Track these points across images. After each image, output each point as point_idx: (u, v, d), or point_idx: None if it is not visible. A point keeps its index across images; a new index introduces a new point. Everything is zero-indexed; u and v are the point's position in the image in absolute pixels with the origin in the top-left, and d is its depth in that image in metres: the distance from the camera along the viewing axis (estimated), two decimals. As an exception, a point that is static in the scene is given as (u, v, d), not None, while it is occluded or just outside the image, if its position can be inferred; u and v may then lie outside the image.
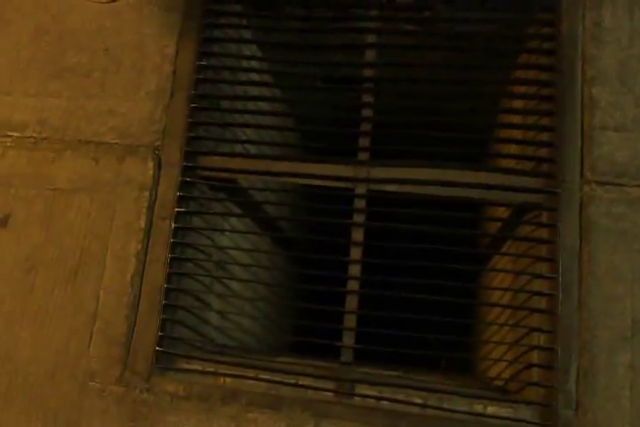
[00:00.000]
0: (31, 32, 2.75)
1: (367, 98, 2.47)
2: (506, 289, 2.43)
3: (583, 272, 2.05)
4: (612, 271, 2.03)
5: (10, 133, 2.66)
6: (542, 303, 2.12)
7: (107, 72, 2.68)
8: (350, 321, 2.26)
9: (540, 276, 2.11)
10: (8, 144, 2.65)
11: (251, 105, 2.69)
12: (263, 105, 2.76)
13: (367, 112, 2.46)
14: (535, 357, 2.14)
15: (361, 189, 2.35)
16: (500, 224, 2.65)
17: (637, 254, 2.05)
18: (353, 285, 2.29)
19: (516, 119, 2.43)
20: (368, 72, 2.50)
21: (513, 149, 2.55)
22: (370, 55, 2.53)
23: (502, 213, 2.60)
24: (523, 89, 2.36)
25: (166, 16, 2.65)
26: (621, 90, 2.19)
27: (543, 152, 2.20)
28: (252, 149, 2.68)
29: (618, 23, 2.24)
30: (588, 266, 2.05)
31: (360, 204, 2.35)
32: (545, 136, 2.21)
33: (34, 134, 2.64)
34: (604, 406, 2.00)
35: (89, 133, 2.61)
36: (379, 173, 2.34)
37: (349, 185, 2.37)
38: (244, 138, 2.71)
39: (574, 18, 2.25)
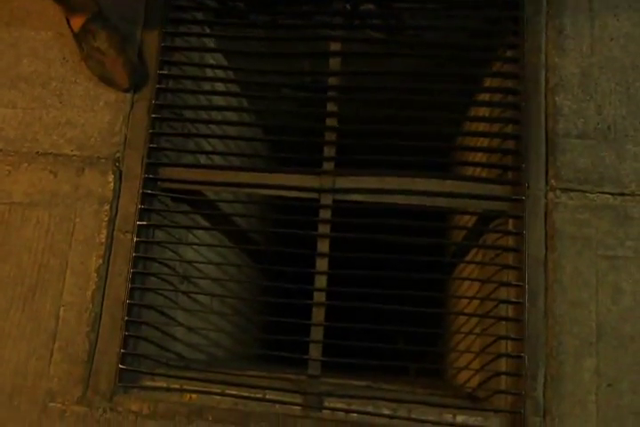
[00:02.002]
0: (-18, 39, 2.60)
1: (332, 107, 2.51)
2: (472, 298, 2.50)
3: (549, 280, 2.11)
4: (576, 278, 2.10)
5: None
6: (509, 311, 2.17)
7: (65, 81, 2.67)
8: (317, 333, 2.29)
9: (506, 284, 2.17)
10: None
11: (216, 115, 2.72)
12: (229, 115, 2.79)
13: (332, 121, 2.50)
14: (503, 364, 2.19)
15: (326, 199, 2.39)
16: (466, 232, 2.72)
17: (601, 260, 2.12)
18: (319, 296, 2.32)
19: (482, 127, 2.51)
20: (333, 80, 2.54)
21: (479, 156, 2.63)
22: (334, 63, 2.58)
23: (468, 221, 2.67)
24: (488, 97, 2.44)
25: (125, 26, 2.65)
26: (584, 98, 2.27)
27: (508, 160, 2.27)
28: (219, 160, 2.71)
29: (579, 31, 2.32)
30: (553, 273, 2.11)
31: (325, 214, 2.38)
32: (510, 144, 2.28)
33: None
34: (571, 411, 2.07)
35: (46, 145, 2.59)
36: (344, 182, 2.38)
37: (315, 196, 2.41)
38: (210, 149, 2.74)
39: (537, 26, 2.33)
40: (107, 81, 2.58)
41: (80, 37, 2.50)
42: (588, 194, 2.15)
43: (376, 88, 2.45)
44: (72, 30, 2.50)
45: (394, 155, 2.31)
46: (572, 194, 2.15)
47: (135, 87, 2.58)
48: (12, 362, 2.37)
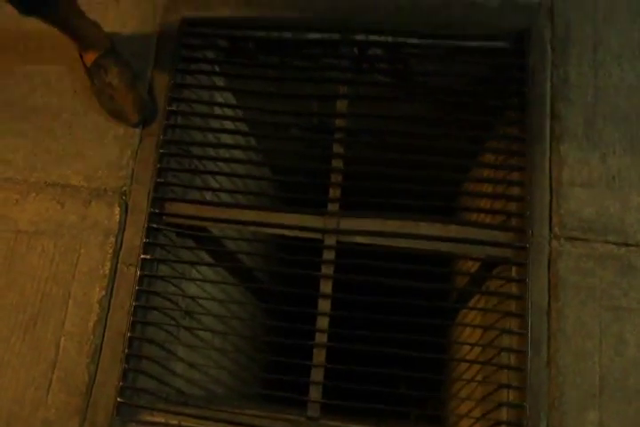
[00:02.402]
0: (-4, 70, 2.61)
1: (338, 149, 2.49)
2: (475, 344, 2.45)
3: (552, 329, 2.06)
4: (580, 328, 2.05)
5: None
6: (511, 359, 2.11)
7: (75, 114, 2.65)
8: (317, 375, 2.25)
9: (509, 331, 2.12)
10: None
11: (223, 152, 2.69)
12: (237, 153, 2.76)
13: (338, 163, 2.47)
14: (504, 413, 2.12)
15: (330, 240, 2.36)
16: (469, 278, 2.67)
17: (605, 311, 2.06)
18: (321, 337, 2.28)
19: (487, 173, 2.47)
20: (340, 122, 2.52)
21: (483, 202, 2.59)
22: (341, 106, 2.56)
23: (472, 266, 2.62)
24: (493, 144, 2.41)
25: (136, 63, 2.63)
26: (588, 147, 2.24)
27: (512, 206, 2.23)
28: (225, 197, 2.68)
29: (584, 81, 2.32)
30: (556, 323, 2.06)
31: (329, 255, 2.35)
32: (515, 190, 2.25)
33: None
34: (573, 465, 1.95)
35: (55, 176, 2.57)
36: (348, 224, 2.35)
37: (319, 236, 2.37)
38: (216, 186, 2.71)
39: (542, 75, 2.32)
40: (116, 115, 2.57)
41: (92, 72, 2.50)
42: (592, 243, 2.11)
43: (382, 131, 2.43)
44: (84, 65, 2.50)
45: (398, 198, 2.27)
46: (575, 242, 2.11)
47: (144, 123, 2.57)
48: (11, 390, 2.32)
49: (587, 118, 2.29)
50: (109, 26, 2.59)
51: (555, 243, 2.13)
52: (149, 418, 2.28)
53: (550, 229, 2.14)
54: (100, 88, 2.52)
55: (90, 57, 2.48)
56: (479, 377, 2.35)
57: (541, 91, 2.29)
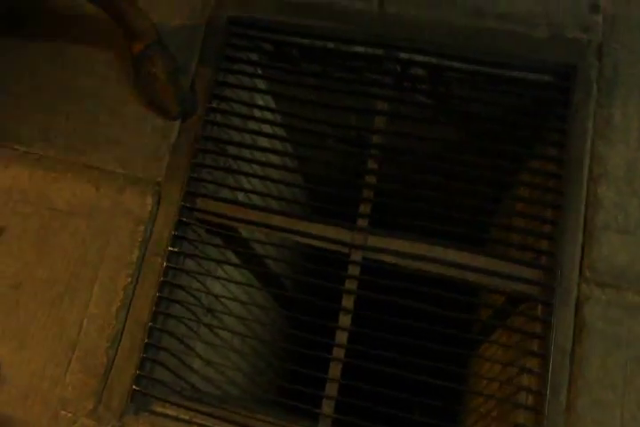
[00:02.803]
0: (48, 51, 2.57)
1: (372, 164, 2.30)
2: (493, 379, 2.22)
3: (574, 373, 1.88)
4: (603, 377, 1.86)
5: (16, 147, 2.46)
6: (529, 399, 1.92)
7: (118, 101, 2.47)
8: (332, 389, 2.09)
9: (529, 371, 1.92)
10: (13, 157, 2.45)
11: (259, 155, 2.44)
12: (272, 157, 2.51)
13: (371, 179, 2.28)
14: (517, 454, 1.92)
15: (356, 255, 2.18)
16: (493, 311, 2.43)
17: (632, 363, 1.88)
18: (338, 352, 2.09)
19: (521, 207, 2.22)
20: (376, 138, 2.31)
21: (514, 236, 2.35)
22: (379, 122, 2.34)
23: (497, 299, 2.38)
24: (529, 177, 2.16)
25: (181, 57, 2.44)
26: (627, 191, 2.06)
27: (544, 244, 2.03)
28: (256, 200, 2.44)
29: (628, 124, 2.13)
30: (579, 368, 1.87)
31: (354, 270, 2.17)
32: (547, 228, 2.03)
33: (40, 152, 2.44)
34: None
35: (93, 159, 2.41)
36: (376, 241, 2.19)
37: (345, 250, 2.16)
38: (249, 187, 2.47)
39: (586, 113, 2.10)
40: (157, 106, 2.42)
41: (137, 62, 2.33)
42: (622, 291, 1.91)
43: (417, 152, 2.18)
44: (132, 54, 2.33)
45: (428, 221, 2.04)
46: (606, 289, 1.91)
47: (183, 117, 2.41)
48: (32, 363, 2.19)
49: (628, 162, 2.09)
50: (157, 17, 2.40)
51: (584, 286, 1.92)
52: (162, 410, 2.13)
53: (580, 271, 1.94)
54: (143, 78, 2.36)
55: (137, 47, 2.31)
56: (495, 413, 2.12)
57: (583, 129, 2.08)
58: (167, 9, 2.55)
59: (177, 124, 2.41)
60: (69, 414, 2.10)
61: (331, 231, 2.23)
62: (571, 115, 2.12)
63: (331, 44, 2.46)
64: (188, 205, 2.32)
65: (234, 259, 2.71)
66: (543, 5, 2.26)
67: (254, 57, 2.61)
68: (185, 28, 2.52)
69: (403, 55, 2.38)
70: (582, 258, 1.97)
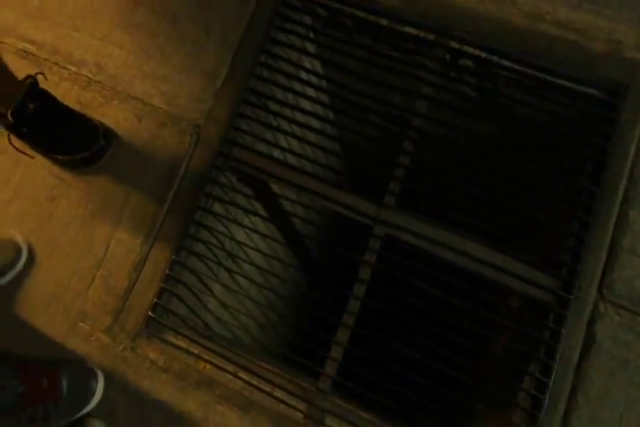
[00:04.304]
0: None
1: (408, 146, 1.92)
2: (495, 375, 1.85)
3: (576, 388, 1.59)
4: (603, 396, 1.57)
5: (68, 67, 2.06)
6: (527, 402, 1.57)
7: (169, 39, 2.04)
8: (337, 352, 1.79)
9: (532, 374, 1.56)
10: (65, 76, 2.04)
11: (300, 117, 1.97)
12: (312, 121, 2.04)
13: (404, 159, 1.90)
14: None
15: (379, 230, 1.83)
16: (506, 310, 2.03)
17: (634, 387, 1.60)
18: (348, 319, 1.72)
19: (549, 215, 1.78)
20: (416, 121, 1.88)
21: (538, 242, 1.94)
22: (421, 106, 1.94)
23: (511, 300, 1.97)
24: (562, 189, 1.73)
25: (237, 6, 2.02)
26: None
27: (567, 256, 1.66)
28: (291, 160, 1.98)
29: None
30: (581, 383, 1.58)
31: (374, 244, 1.84)
32: (572, 242, 1.61)
33: (89, 75, 2.04)
34: None
35: (139, 91, 2.01)
36: (400, 220, 1.87)
37: (369, 222, 1.76)
38: (286, 145, 2.01)
39: (630, 134, 1.71)
40: None
41: None
42: (638, 317, 1.56)
43: (454, 142, 1.74)
44: None
45: (453, 210, 1.63)
46: (621, 311, 1.58)
47: (231, 73, 1.98)
48: (58, 273, 1.87)
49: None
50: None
51: (600, 304, 1.60)
52: (173, 340, 1.79)
53: (599, 289, 1.61)
54: None
55: None
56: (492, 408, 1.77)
57: (625, 150, 1.71)
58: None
59: (224, 71, 1.98)
60: (87, 327, 1.81)
61: (358, 202, 1.88)
62: (615, 134, 1.74)
63: (384, 21, 2.02)
64: (224, 152, 1.92)
65: (261, 211, 2.27)
66: (605, 20, 1.86)
67: (307, 20, 2.17)
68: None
69: (454, 44, 1.98)
70: (603, 276, 1.63)
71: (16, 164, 2.04)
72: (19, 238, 1.94)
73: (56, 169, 2.01)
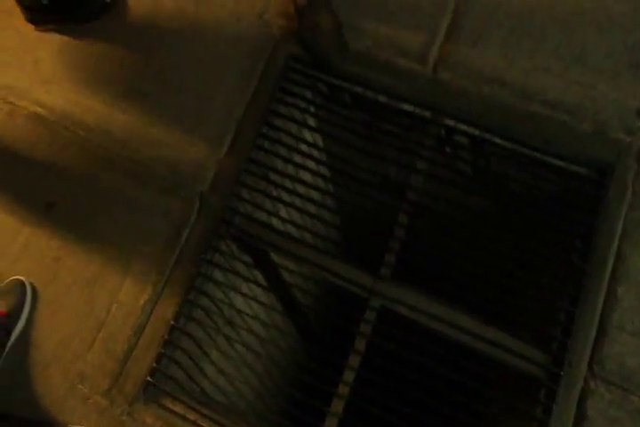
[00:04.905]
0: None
1: (403, 218, 1.97)
2: None
3: None
4: None
5: (78, 131, 2.14)
6: None
7: (175, 108, 2.13)
8: (331, 422, 1.79)
9: (524, 451, 1.57)
10: (73, 140, 2.12)
11: (299, 187, 2.06)
12: (312, 192, 2.13)
13: (399, 232, 1.94)
14: None
15: (375, 302, 1.85)
16: (499, 382, 2.07)
17: None
18: (343, 389, 1.76)
19: (539, 290, 1.85)
20: (411, 195, 1.94)
21: (530, 317, 1.99)
22: (416, 180, 2.00)
23: (503, 374, 2.01)
24: (552, 265, 1.80)
25: (241, 79, 2.14)
26: (645, 297, 1.67)
27: (557, 331, 1.68)
28: (290, 229, 2.05)
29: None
30: None
31: (370, 316, 1.90)
32: (562, 317, 1.68)
33: (97, 139, 2.12)
34: None
35: (143, 156, 2.08)
36: (395, 293, 1.90)
37: (365, 295, 1.80)
38: (285, 215, 2.09)
39: (617, 213, 1.74)
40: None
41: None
42: (629, 394, 1.63)
43: (448, 216, 1.82)
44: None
45: (446, 283, 1.69)
46: (611, 387, 1.62)
47: (234, 143, 2.09)
48: (60, 334, 1.91)
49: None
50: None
51: (590, 381, 1.64)
52: (170, 406, 1.81)
53: (589, 365, 1.66)
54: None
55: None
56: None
57: (611, 228, 1.80)
58: (234, 35, 2.21)
59: (227, 140, 2.07)
60: (85, 390, 1.83)
61: (355, 274, 1.93)
62: (602, 212, 1.80)
63: (382, 98, 2.14)
64: (225, 220, 1.99)
65: (261, 279, 2.33)
66: (592, 101, 1.97)
67: (308, 94, 2.29)
68: (249, 54, 2.18)
69: (448, 121, 2.07)
70: (593, 353, 1.67)
71: (22, 225, 2.08)
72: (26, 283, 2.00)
73: (59, 231, 2.05)
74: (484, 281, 1.75)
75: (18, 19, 2.38)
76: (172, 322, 1.86)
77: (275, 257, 2.26)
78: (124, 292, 1.93)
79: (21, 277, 2.01)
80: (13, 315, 1.96)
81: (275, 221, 2.22)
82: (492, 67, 2.05)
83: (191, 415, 1.77)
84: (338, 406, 1.76)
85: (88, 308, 1.93)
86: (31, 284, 2.01)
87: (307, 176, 2.25)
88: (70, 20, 2.30)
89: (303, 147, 2.27)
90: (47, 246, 2.05)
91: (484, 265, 1.78)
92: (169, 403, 1.81)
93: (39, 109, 2.24)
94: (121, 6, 2.34)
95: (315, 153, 2.38)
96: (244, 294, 2.05)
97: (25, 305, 1.98)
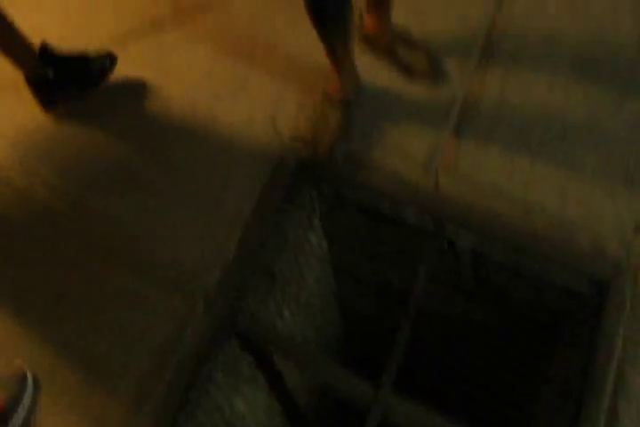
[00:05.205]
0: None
1: (405, 324, 1.98)
2: None
3: None
4: None
5: None
6: None
7: (184, 209, 2.16)
8: None
9: None
10: None
11: (305, 296, 2.12)
12: (316, 295, 2.19)
13: (401, 338, 2.00)
14: None
15: (376, 411, 1.79)
16: None
17: None
18: None
19: (540, 406, 1.86)
20: (412, 301, 1.98)
21: None
22: (418, 287, 2.05)
23: None
24: (551, 384, 1.82)
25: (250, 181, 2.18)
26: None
27: None
28: (294, 330, 2.09)
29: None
30: None
31: (371, 424, 1.78)
32: None
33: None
34: None
35: (148, 249, 2.09)
36: (397, 404, 1.84)
37: (366, 403, 1.82)
38: (289, 317, 2.13)
39: (614, 331, 1.77)
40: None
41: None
42: None
43: (449, 324, 1.85)
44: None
45: (449, 391, 1.69)
46: None
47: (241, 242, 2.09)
48: None
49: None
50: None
51: None
52: None
53: None
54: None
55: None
56: None
57: (609, 346, 1.78)
58: (247, 145, 2.28)
59: (235, 236, 2.08)
60: None
61: (356, 383, 1.90)
62: (599, 328, 1.82)
63: (385, 208, 2.20)
64: (229, 320, 1.97)
65: (262, 380, 2.33)
66: (591, 218, 2.02)
67: (314, 198, 2.33)
68: (260, 156, 2.25)
69: (450, 234, 2.12)
70: None
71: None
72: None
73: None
74: (484, 391, 1.76)
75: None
76: (172, 423, 1.80)
77: (277, 358, 2.24)
78: (121, 393, 1.84)
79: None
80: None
81: (278, 322, 2.25)
82: (492, 178, 2.08)
83: None
84: None
85: (83, 409, 1.83)
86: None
87: (311, 278, 2.31)
88: (74, 92, 2.34)
89: (308, 248, 2.35)
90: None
91: (484, 375, 1.80)
92: None
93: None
94: (132, 103, 2.47)
95: (319, 254, 2.46)
96: (244, 395, 2.04)
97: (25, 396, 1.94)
